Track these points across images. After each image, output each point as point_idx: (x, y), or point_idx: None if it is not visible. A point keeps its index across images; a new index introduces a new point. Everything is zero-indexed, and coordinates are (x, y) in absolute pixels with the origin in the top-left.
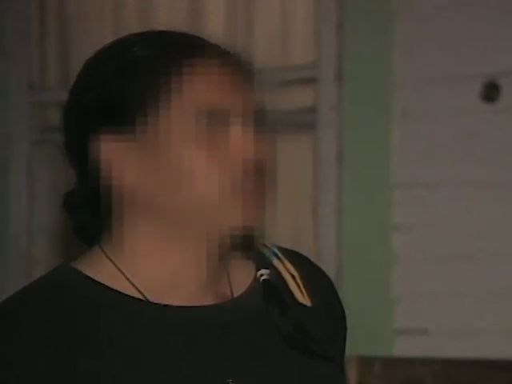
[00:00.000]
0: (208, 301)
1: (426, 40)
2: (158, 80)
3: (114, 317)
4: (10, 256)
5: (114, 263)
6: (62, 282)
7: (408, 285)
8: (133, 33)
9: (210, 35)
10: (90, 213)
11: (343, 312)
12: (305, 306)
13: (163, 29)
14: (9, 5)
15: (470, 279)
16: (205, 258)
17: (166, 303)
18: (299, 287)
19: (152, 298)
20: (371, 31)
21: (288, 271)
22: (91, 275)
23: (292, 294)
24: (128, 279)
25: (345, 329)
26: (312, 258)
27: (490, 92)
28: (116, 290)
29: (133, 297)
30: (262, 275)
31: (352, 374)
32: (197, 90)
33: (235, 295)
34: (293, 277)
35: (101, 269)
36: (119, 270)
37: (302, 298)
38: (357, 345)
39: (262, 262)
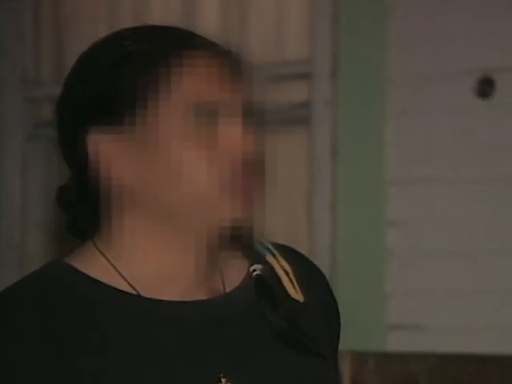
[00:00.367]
0: (201, 296)
1: (421, 36)
2: (148, 74)
3: (107, 311)
4: (3, 251)
5: (106, 258)
6: (55, 277)
7: (402, 280)
8: (125, 27)
9: (205, 31)
10: (84, 208)
11: (337, 308)
12: (298, 301)
13: (156, 24)
14: (3, 0)
15: (464, 275)
16: (197, 253)
17: (158, 298)
18: (292, 283)
19: (145, 293)
20: (366, 27)
21: (281, 267)
22: (84, 270)
23: (285, 290)
24: (121, 274)
25: (338, 325)
26: (306, 254)
27: (485, 88)
28: (109, 285)
29: (126, 292)
30: (254, 270)
31: (346, 369)
32: (187, 84)
33: (228, 290)
34: (286, 272)
35: (93, 264)
36: (112, 265)
37: (295, 293)
38: (351, 340)
39: (256, 257)
